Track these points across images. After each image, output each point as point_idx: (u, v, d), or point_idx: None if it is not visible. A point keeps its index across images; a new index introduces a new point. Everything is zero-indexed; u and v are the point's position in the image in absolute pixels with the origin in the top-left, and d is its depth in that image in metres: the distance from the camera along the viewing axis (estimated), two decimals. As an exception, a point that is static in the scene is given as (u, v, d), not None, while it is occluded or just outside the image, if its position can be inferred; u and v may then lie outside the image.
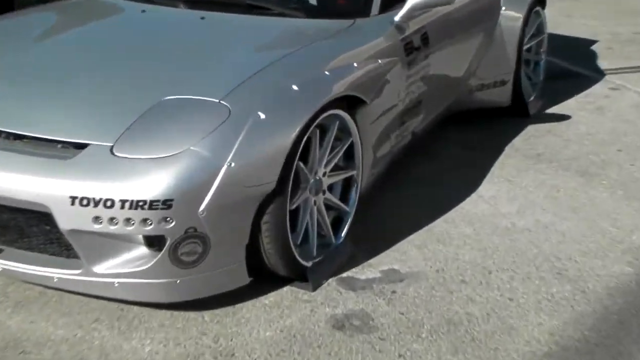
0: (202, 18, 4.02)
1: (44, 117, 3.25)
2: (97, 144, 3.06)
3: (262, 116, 3.15)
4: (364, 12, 4.15)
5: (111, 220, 2.96)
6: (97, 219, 2.96)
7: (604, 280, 3.62)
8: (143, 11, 4.18)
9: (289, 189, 3.25)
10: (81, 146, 3.07)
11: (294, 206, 3.36)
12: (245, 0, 4.18)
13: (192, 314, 3.30)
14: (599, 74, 6.73)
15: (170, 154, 2.98)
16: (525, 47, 5.64)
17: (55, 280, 3.16)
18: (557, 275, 3.68)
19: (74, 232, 3.02)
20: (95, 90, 3.39)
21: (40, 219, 3.07)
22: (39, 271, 3.16)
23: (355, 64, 3.71)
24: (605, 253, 3.86)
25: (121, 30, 4.10)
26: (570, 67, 6.97)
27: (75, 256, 3.12)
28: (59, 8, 4.59)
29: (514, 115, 5.62)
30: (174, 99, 3.23)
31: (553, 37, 7.30)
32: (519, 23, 5.44)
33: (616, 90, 6.33)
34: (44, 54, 3.81)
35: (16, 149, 3.11)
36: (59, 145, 3.11)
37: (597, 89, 6.37)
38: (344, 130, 3.65)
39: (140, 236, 3.03)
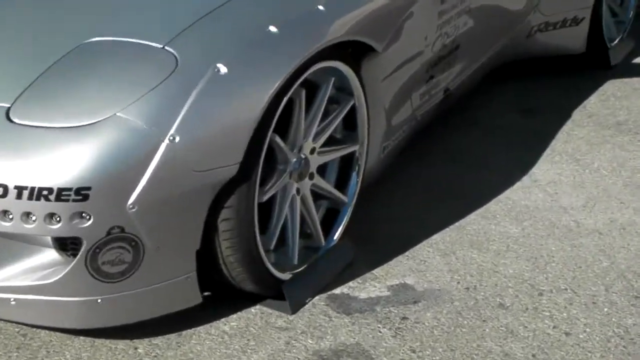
0: None
1: None
2: (-13, 103, 2.87)
3: (223, 70, 2.98)
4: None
5: (4, 214, 2.81)
6: None
7: None
8: None
9: (259, 173, 3.09)
10: (-33, 106, 2.89)
11: (266, 197, 3.21)
12: None
13: (120, 344, 3.18)
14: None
15: (88, 122, 2.81)
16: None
17: None
18: (634, 300, 3.51)
19: None
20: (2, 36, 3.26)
21: None
22: None
23: (364, -8, 3.50)
24: None
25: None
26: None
27: (-44, 259, 2.94)
28: None
29: (591, 67, 5.48)
30: (99, 41, 3.08)
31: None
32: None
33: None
34: None
35: None
36: None
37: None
38: (344, 89, 3.49)
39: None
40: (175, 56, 2.98)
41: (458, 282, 3.59)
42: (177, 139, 2.84)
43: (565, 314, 3.42)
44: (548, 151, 4.55)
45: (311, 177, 3.43)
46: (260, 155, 3.08)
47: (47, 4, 3.43)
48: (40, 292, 2.93)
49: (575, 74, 5.38)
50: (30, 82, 2.93)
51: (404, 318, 3.38)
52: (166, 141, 2.83)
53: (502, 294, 3.52)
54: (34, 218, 2.79)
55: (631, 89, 5.28)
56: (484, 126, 4.76)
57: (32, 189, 2.76)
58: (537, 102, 5.03)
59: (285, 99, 3.13)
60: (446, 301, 3.47)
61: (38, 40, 3.16)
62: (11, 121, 2.84)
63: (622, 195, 4.22)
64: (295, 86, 3.17)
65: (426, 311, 3.41)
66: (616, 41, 5.61)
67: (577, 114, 4.95)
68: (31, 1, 3.49)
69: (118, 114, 2.82)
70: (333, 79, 3.39)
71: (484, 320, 3.37)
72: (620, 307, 3.46)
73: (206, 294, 3.19)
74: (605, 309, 3.46)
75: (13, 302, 2.95)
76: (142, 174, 2.83)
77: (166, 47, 3.01)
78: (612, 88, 5.28)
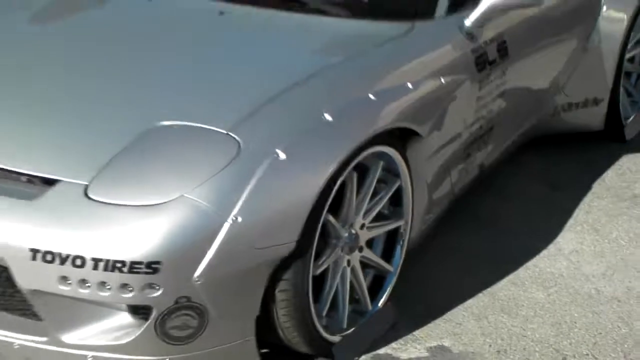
0: (221, 13, 3.73)
1: (11, 142, 2.99)
2: (68, 182, 2.77)
3: (282, 156, 2.84)
4: (427, 12, 3.81)
5: (82, 282, 2.68)
6: (64, 280, 2.68)
7: None
8: (149, -1, 3.87)
9: (313, 250, 2.95)
10: (50, 182, 2.78)
11: (319, 270, 3.07)
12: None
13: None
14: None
15: (159, 202, 2.68)
16: (627, 57, 5.25)
17: (16, 347, 2.89)
18: (651, 367, 3.29)
19: (36, 292, 2.75)
20: (77, 108, 3.12)
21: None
22: (-2, 335, 2.87)
23: (410, 85, 3.39)
24: None
25: (120, 24, 3.80)
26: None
27: (40, 319, 2.83)
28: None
29: (608, 141, 5.26)
30: (169, 125, 2.94)
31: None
32: (623, 27, 5.04)
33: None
34: (19, 53, 3.55)
35: None
36: (24, 179, 2.83)
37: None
38: (391, 171, 3.35)
39: (122, 301, 2.73)
40: (238, 142, 2.85)
41: (490, 345, 3.42)
42: (240, 219, 2.71)
43: (588, 380, 3.20)
44: (571, 221, 4.36)
45: (360, 250, 3.29)
46: (315, 234, 2.94)
47: (120, 80, 3.30)
48: (115, 351, 2.80)
49: (594, 147, 5.17)
50: (105, 163, 2.81)
51: (441, 379, 3.18)
52: (229, 221, 2.70)
53: (529, 358, 3.35)
54: (108, 287, 2.67)
55: (646, 163, 4.99)
56: (511, 196, 4.58)
57: (107, 261, 2.64)
58: (559, 175, 4.84)
59: (338, 182, 2.99)
60: (479, 363, 3.26)
61: (111, 119, 3.03)
62: (89, 198, 2.72)
63: (639, 265, 4.01)
64: (347, 170, 3.04)
65: (461, 373, 3.21)
66: (631, 118, 5.39)
67: (596, 187, 4.76)
68: (104, 74, 3.35)
69: (185, 195, 2.69)
70: (382, 162, 3.27)
71: (514, 383, 3.14)
72: (639, 374, 3.24)
73: (264, 351, 3.03)
74: (625, 375, 3.22)
75: (90, 359, 2.80)
76: (208, 251, 2.69)
77: (230, 133, 2.88)
78: (627, 162, 5.08)
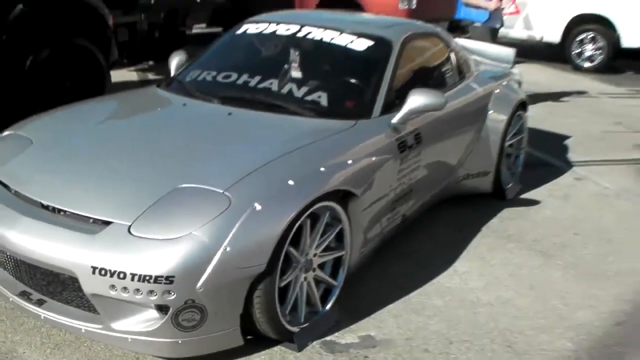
0: (229, 114, 3.75)
1: (83, 195, 3.06)
2: (118, 223, 2.83)
3: (258, 207, 2.88)
4: (367, 114, 3.86)
5: (124, 289, 2.74)
6: (112, 287, 2.75)
7: (548, 355, 3.29)
8: (184, 105, 3.92)
9: (278, 270, 2.98)
10: (107, 223, 2.84)
11: (284, 283, 3.08)
12: (270, 100, 3.87)
13: (193, 365, 2.98)
14: (569, 165, 6.32)
15: (175, 237, 2.74)
16: (507, 144, 5.29)
17: (83, 331, 2.95)
18: (507, 349, 3.34)
19: (95, 295, 2.82)
20: (126, 174, 3.17)
21: (73, 280, 2.86)
22: (71, 323, 2.95)
23: (350, 161, 3.42)
24: (552, 329, 3.51)
25: (160, 120, 3.86)
26: (546, 158, 6.55)
27: (98, 313, 2.87)
28: (121, 98, 4.40)
29: (495, 198, 5.23)
30: (186, 187, 2.99)
31: (536, 132, 6.98)
32: (503, 124, 5.09)
33: (580, 180, 5.92)
34: (95, 138, 3.60)
35: (56, 221, 2.92)
36: (91, 221, 2.88)
37: (565, 178, 5.96)
38: (335, 218, 3.34)
39: (151, 301, 2.76)
40: (229, 198, 2.89)
41: (401, 335, 3.43)
42: (229, 249, 2.76)
43: (464, 357, 3.27)
44: (464, 253, 4.36)
45: (314, 270, 3.30)
46: (280, 259, 2.98)
47: (158, 155, 3.33)
48: (146, 334, 2.85)
49: (485, 203, 5.15)
50: (143, 211, 2.87)
51: (366, 357, 3.22)
52: (221, 249, 2.76)
53: (427, 343, 3.36)
54: (141, 292, 2.73)
55: (518, 214, 5.06)
56: (426, 236, 4.54)
57: (140, 275, 2.71)
58: (461, 221, 4.82)
59: (296, 225, 3.03)
60: (392, 346, 3.32)
61: (148, 181, 3.07)
62: (131, 234, 2.77)
63: (507, 281, 4.04)
64: (303, 217, 3.06)
65: (380, 352, 3.26)
66: (510, 185, 5.39)
67: (484, 229, 4.74)
68: (147, 151, 3.38)
69: (193, 232, 2.75)
70: (328, 212, 3.27)
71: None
72: (498, 353, 3.31)
73: (248, 337, 3.05)
74: (489, 354, 3.32)
75: (130, 340, 2.88)
76: (206, 269, 2.75)
77: (225, 192, 2.93)
78: (507, 213, 5.06)
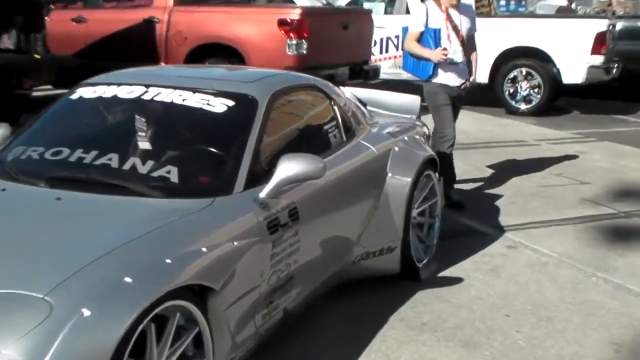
0: (58, 199, 3.86)
1: None
2: None
3: (87, 313, 3.00)
4: (227, 189, 4.05)
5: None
6: None
7: None
8: (3, 190, 4.02)
9: (114, 388, 3.04)
10: None
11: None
12: (108, 179, 4.04)
13: None
14: (499, 231, 6.70)
15: (-19, 357, 2.79)
16: (415, 212, 5.60)
17: None
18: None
19: None
20: None
21: None
22: None
23: (204, 249, 3.59)
24: None
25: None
26: (470, 223, 6.92)
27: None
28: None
29: (406, 279, 5.47)
30: None
31: (459, 192, 7.34)
32: (407, 189, 5.40)
33: (513, 248, 6.28)
34: None
35: None
36: None
37: (494, 247, 6.32)
38: (191, 319, 3.48)
39: None
40: (50, 304, 2.98)
41: None
42: (48, 370, 2.79)
43: None
44: (366, 350, 4.51)
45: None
46: (117, 375, 3.03)
47: None
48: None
49: (393, 285, 5.38)
50: None
51: None
52: (38, 372, 2.78)
53: None
54: None
55: (434, 296, 5.30)
56: (315, 332, 4.69)
57: None
58: (360, 311, 5.00)
59: (137, 332, 3.12)
60: None
61: None
62: None
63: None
64: (145, 322, 3.17)
65: None
66: (424, 261, 5.65)
67: (391, 319, 4.91)
68: None
69: (2, 351, 2.82)
70: (178, 313, 3.38)
71: None
72: None
73: None
74: None
75: None
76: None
77: (45, 297, 3.02)
78: (420, 296, 5.27)
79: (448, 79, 7.04)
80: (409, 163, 5.51)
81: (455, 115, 7.30)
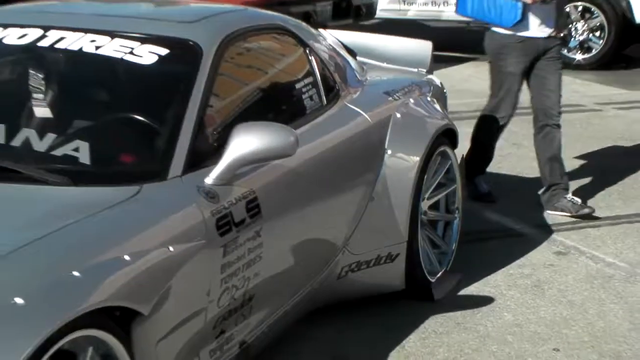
0: None
1: None
2: None
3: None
4: (158, 173, 4.06)
5: None
6: None
7: None
8: None
9: None
10: None
11: None
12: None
13: None
14: (544, 231, 6.72)
15: None
16: (428, 204, 5.66)
17: None
18: None
19: None
20: None
21: None
22: None
23: (127, 257, 3.59)
24: None
25: None
26: (504, 221, 6.97)
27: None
28: None
29: (413, 299, 5.51)
30: None
31: (491, 176, 7.37)
32: (413, 172, 5.43)
33: (564, 255, 6.31)
34: None
35: None
36: None
37: (538, 253, 6.35)
38: (110, 355, 3.51)
39: None
40: None
41: None
42: None
43: None
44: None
45: None
46: None
47: None
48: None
49: (397, 307, 5.43)
50: None
51: None
52: None
53: None
54: None
55: (454, 322, 5.33)
56: None
57: None
58: (349, 346, 5.02)
59: None
60: None
61: None
62: None
63: None
64: (45, 358, 3.18)
65: None
66: (439, 274, 5.69)
67: (394, 355, 4.94)
68: None
69: None
70: (91, 348, 3.40)
71: None
72: None
73: None
74: None
75: None
76: None
77: None
78: (433, 324, 5.30)
79: (535, 28, 6.84)
80: (416, 135, 5.56)
81: (551, 81, 7.05)
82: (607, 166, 8.46)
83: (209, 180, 4.11)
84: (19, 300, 3.20)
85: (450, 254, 5.90)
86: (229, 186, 4.19)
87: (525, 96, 6.90)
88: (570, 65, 12.11)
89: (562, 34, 7.02)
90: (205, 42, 4.61)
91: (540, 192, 6.96)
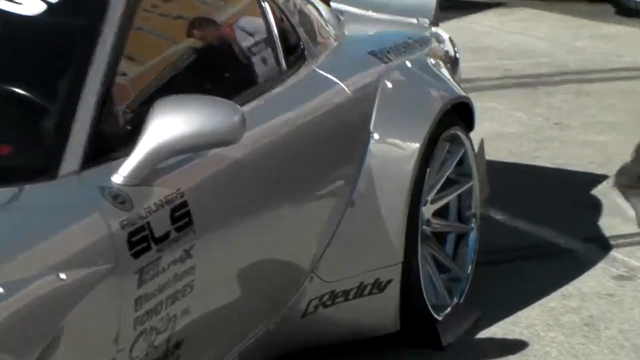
0: None
1: None
2: None
3: None
4: (45, 170, 4.07)
5: None
6: None
7: None
8: None
9: None
10: None
11: None
12: None
13: None
14: (599, 247, 6.74)
15: None
16: (431, 210, 5.70)
17: None
18: None
19: None
20: None
21: None
22: None
23: (-1, 289, 3.57)
24: None
25: None
26: (541, 233, 6.99)
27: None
28: None
29: (413, 346, 5.57)
30: None
31: (524, 169, 7.37)
32: (411, 164, 5.46)
33: (628, 280, 6.33)
34: None
35: None
36: None
37: (590, 279, 6.37)
38: None
39: None
40: None
41: None
42: None
43: None
44: None
45: None
46: None
47: None
48: None
49: (390, 356, 5.42)
50: None
51: None
52: None
53: None
54: None
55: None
56: None
57: None
58: None
59: None
60: None
61: None
62: None
63: None
64: None
65: None
66: (449, 308, 5.70)
67: None
68: None
69: None
70: None
71: None
72: None
73: None
74: None
75: None
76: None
77: None
78: None
79: None
80: (414, 112, 5.62)
81: None
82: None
83: (118, 178, 4.11)
84: None
85: (464, 281, 5.92)
86: (147, 187, 4.20)
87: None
88: (633, 13, 12.40)
89: None
90: None
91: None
